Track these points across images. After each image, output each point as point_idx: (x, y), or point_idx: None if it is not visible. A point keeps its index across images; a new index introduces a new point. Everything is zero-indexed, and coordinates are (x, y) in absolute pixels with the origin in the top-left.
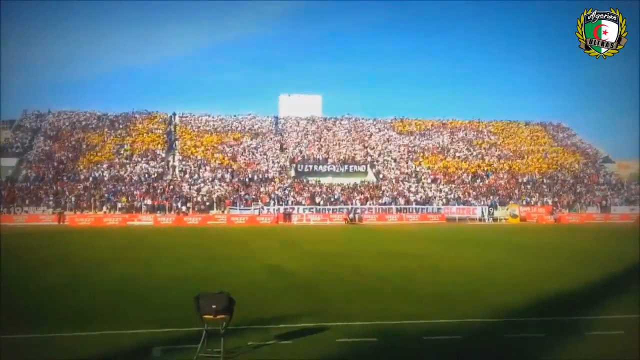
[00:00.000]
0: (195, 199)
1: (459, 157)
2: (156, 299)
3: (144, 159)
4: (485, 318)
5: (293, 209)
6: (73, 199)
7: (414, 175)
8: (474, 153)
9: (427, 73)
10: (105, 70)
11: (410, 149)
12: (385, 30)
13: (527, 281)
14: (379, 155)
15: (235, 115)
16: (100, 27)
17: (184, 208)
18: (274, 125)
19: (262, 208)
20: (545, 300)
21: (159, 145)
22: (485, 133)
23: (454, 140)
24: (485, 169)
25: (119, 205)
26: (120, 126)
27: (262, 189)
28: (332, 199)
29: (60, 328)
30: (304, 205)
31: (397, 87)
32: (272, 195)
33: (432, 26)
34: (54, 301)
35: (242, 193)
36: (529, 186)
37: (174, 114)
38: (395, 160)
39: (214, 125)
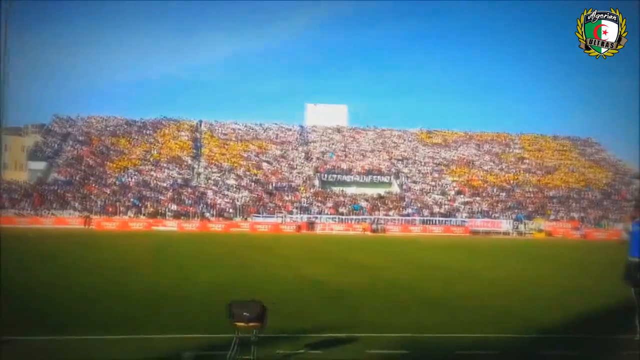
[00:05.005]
0: (219, 205)
1: (485, 169)
2: (186, 305)
3: (170, 165)
4: (519, 334)
5: (317, 218)
6: (100, 203)
7: (438, 187)
8: (501, 166)
9: (455, 85)
10: (135, 78)
11: (435, 160)
12: (412, 42)
13: (565, 297)
14: (404, 166)
15: (261, 124)
16: (130, 34)
17: (208, 214)
18: (299, 135)
19: (286, 216)
20: (583, 317)
21: (185, 152)
22: (512, 146)
23: (480, 152)
24: (511, 182)
25: (144, 210)
26: (148, 132)
27: (286, 198)
28: (356, 209)
29: (92, 331)
30: (328, 214)
31: (423, 99)
32: (296, 204)
33: (460, 38)
34: (86, 304)
35: (266, 201)
36: (555, 200)
37: (201, 122)
38: (420, 172)
39: (239, 133)
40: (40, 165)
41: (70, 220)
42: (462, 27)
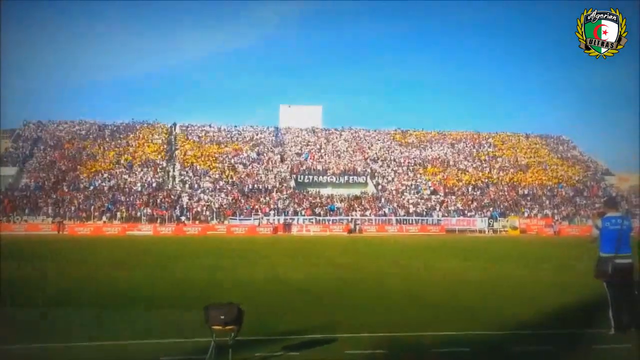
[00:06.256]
0: (195, 209)
1: (459, 168)
2: (163, 309)
3: (144, 168)
4: (492, 330)
5: (293, 219)
6: (73, 208)
7: (414, 186)
8: (474, 164)
9: (428, 84)
10: (106, 80)
11: (410, 160)
12: (385, 42)
13: (536, 294)
14: (380, 166)
15: (235, 126)
16: (101, 35)
17: (183, 218)
18: (274, 136)
19: (262, 218)
20: (557, 313)
21: (159, 155)
22: (485, 145)
23: (454, 151)
24: (485, 180)
25: (119, 214)
26: (121, 136)
27: (262, 200)
28: (332, 210)
29: (68, 338)
30: (304, 215)
31: (398, 99)
32: (272, 206)
33: (432, 38)
34: (61, 311)
35: (242, 203)
36: (528, 198)
37: (175, 124)
38: (395, 172)
39: (214, 135)
40: (11, 170)
41: (43, 226)
42: (437, 27)
